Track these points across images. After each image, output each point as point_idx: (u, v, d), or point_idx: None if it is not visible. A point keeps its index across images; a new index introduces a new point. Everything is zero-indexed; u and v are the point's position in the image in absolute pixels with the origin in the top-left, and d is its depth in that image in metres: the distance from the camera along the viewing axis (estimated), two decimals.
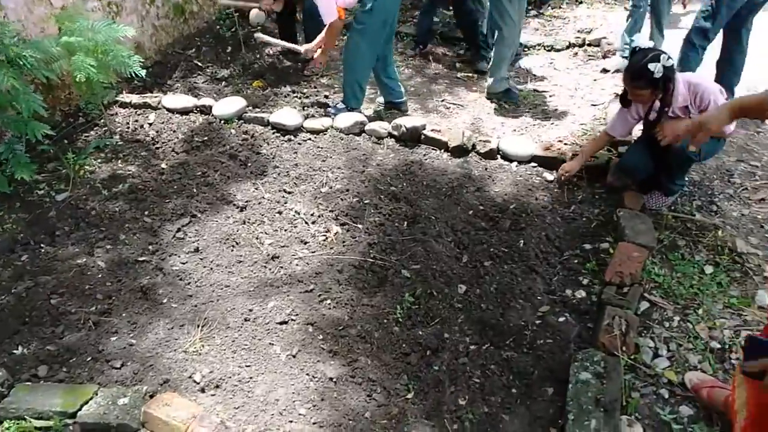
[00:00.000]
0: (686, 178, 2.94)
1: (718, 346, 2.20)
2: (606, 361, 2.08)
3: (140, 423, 1.95)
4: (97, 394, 2.03)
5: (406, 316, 2.41)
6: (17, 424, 1.95)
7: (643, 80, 2.57)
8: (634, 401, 2.00)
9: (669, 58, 2.55)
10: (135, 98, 3.99)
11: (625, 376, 2.05)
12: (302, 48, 4.02)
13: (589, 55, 4.86)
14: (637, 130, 3.02)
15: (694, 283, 2.48)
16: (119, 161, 3.45)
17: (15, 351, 2.28)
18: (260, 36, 4.28)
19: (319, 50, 3.87)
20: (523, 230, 2.85)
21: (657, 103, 2.69)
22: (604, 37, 4.92)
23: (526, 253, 2.70)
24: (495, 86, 4.15)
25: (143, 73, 3.38)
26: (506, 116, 4.00)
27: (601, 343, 2.16)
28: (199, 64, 4.66)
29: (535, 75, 4.60)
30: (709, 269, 2.54)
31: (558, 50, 4.94)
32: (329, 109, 3.95)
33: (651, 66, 2.51)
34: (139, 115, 3.88)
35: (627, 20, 4.45)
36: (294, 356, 2.22)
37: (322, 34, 3.84)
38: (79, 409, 1.98)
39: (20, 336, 2.34)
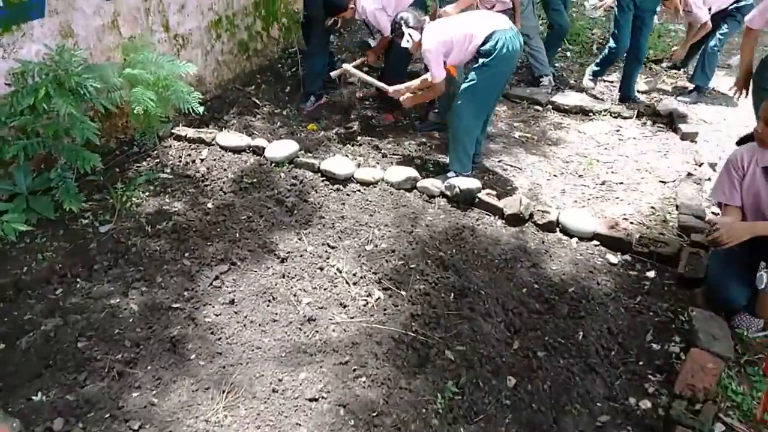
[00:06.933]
0: None
1: None
2: None
3: None
4: None
5: (448, 408, 2.19)
6: None
7: None
8: None
9: None
10: (190, 132, 3.98)
11: None
12: (391, 88, 3.82)
13: (658, 127, 4.59)
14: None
15: None
16: (167, 196, 3.40)
17: (34, 397, 2.17)
18: (346, 66, 4.03)
19: (409, 95, 3.73)
20: (582, 319, 2.61)
21: None
22: (676, 108, 4.65)
23: (586, 347, 2.45)
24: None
25: (201, 110, 3.35)
26: (566, 184, 3.79)
27: None
28: (257, 102, 4.65)
29: (598, 142, 4.37)
30: None
31: (625, 118, 4.70)
32: (448, 176, 3.62)
33: None
34: (192, 149, 3.86)
35: None
36: None
37: (418, 81, 3.73)
38: None
39: (42, 380, 2.24)
